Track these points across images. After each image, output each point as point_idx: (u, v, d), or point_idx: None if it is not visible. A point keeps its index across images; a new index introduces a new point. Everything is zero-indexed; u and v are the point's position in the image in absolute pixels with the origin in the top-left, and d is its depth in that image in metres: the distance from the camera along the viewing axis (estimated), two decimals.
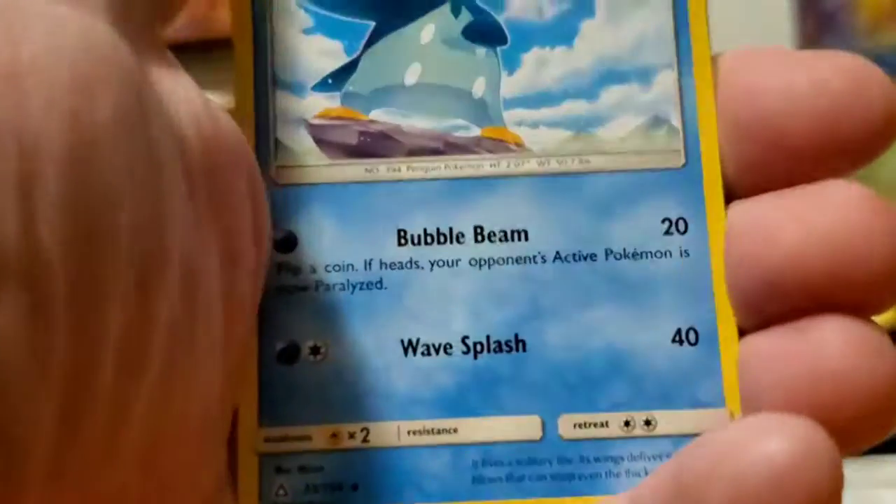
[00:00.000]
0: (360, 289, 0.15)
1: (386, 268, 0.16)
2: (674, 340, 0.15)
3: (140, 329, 0.12)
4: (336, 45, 0.16)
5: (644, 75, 0.16)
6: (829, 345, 0.14)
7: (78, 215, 0.11)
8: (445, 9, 0.16)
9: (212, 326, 0.13)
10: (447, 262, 0.16)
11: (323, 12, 0.16)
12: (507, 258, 0.16)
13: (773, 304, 0.15)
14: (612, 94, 0.16)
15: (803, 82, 0.15)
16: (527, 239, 0.16)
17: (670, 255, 0.16)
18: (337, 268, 0.16)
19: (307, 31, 0.16)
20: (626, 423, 0.15)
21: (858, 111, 0.14)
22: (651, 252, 0.16)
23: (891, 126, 0.14)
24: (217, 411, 0.14)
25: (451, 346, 0.15)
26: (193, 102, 0.13)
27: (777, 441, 0.12)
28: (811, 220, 0.14)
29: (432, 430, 0.15)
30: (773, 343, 0.15)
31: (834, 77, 0.14)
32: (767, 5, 0.83)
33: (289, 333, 0.15)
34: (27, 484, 0.11)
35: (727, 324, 0.15)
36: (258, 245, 0.14)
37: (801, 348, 0.14)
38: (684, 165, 0.16)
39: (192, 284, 0.12)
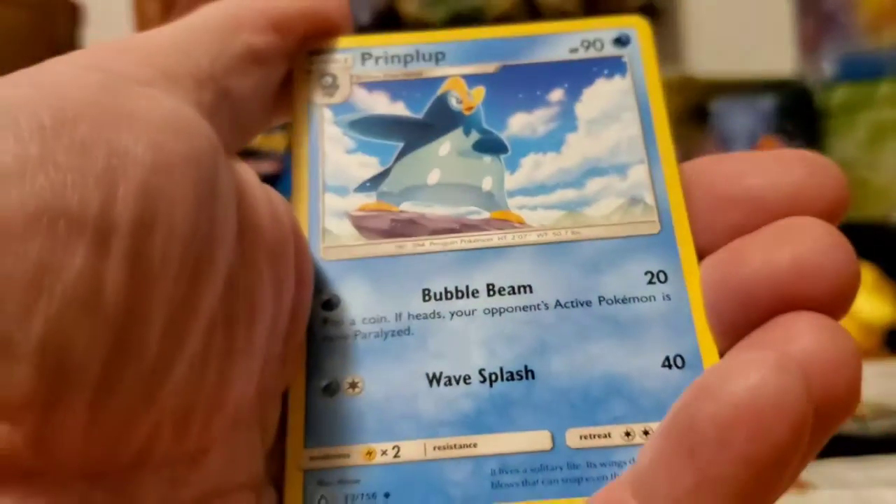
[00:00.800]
0: (392, 336, 0.18)
1: (413, 318, 0.18)
2: (663, 366, 0.18)
3: (186, 310, 0.14)
4: (373, 160, 0.20)
5: (621, 169, 0.20)
6: (797, 327, 0.15)
7: (146, 207, 0.14)
8: (459, 131, 0.20)
9: (251, 339, 0.16)
10: (465, 311, 0.18)
11: (363, 137, 0.20)
12: (516, 307, 0.18)
13: (748, 318, 0.16)
14: (595, 184, 0.19)
15: (773, 166, 0.18)
16: (531, 291, 0.18)
17: (654, 299, 0.18)
18: (372, 320, 0.18)
19: (350, 151, 0.20)
20: (627, 434, 0.17)
21: (819, 182, 0.17)
22: (637, 297, 0.18)
23: (843, 196, 0.17)
24: (252, 413, 0.16)
25: (469, 377, 0.18)
26: (252, 177, 0.17)
27: (752, 366, 0.14)
28: (775, 241, 0.16)
29: (455, 445, 0.17)
30: (749, 341, 0.16)
31: (797, 162, 0.18)
32: (767, 5, 0.83)
33: (331, 373, 0.18)
34: (73, 406, 0.13)
35: (709, 348, 0.18)
36: (301, 281, 0.17)
37: (772, 334, 0.16)
38: (659, 231, 0.19)
39: (234, 299, 0.15)
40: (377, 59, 0.21)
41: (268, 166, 0.61)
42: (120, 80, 0.15)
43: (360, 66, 0.21)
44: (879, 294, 0.59)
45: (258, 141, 0.58)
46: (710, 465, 0.13)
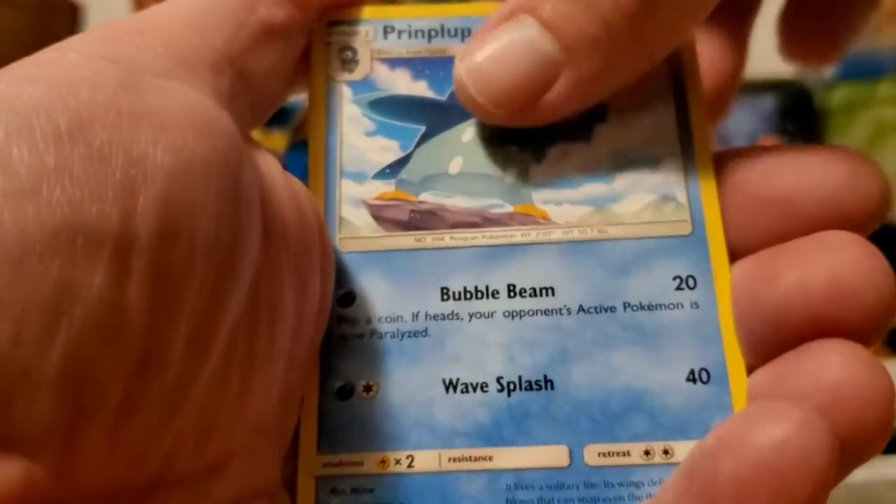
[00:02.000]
0: (408, 337, 0.17)
1: (430, 319, 0.18)
2: (688, 380, 0.17)
3: (209, 323, 0.14)
4: (393, 144, 0.19)
5: (653, 163, 0.18)
6: (829, 359, 0.15)
7: (167, 218, 0.13)
8: None
9: (274, 341, 0.15)
10: (484, 314, 0.18)
11: (383, 119, 0.19)
12: (537, 310, 0.17)
13: (778, 337, 0.16)
14: (625, 178, 0.18)
15: (813, 163, 0.17)
16: (553, 294, 0.18)
17: (682, 306, 0.17)
18: (388, 319, 0.18)
19: (369, 134, 0.19)
20: (646, 453, 0.16)
21: (860, 187, 0.16)
22: (664, 304, 0.17)
23: (885, 202, 0.16)
24: (273, 420, 0.16)
25: (486, 385, 0.17)
26: (275, 170, 0.16)
27: (777, 419, 0.13)
28: (811, 259, 0.16)
29: (470, 457, 0.17)
30: (779, 366, 0.16)
31: (838, 160, 0.17)
32: (767, 5, 0.83)
33: (345, 374, 0.17)
34: (94, 431, 0.12)
35: (736, 363, 0.17)
36: (324, 282, 0.17)
37: (803, 365, 0.15)
38: (691, 233, 0.18)
39: (257, 305, 0.15)
40: (400, 32, 0.20)
41: None
42: (137, 73, 0.14)
43: (382, 40, 0.20)
44: None
45: (258, 139, 0.57)
46: None
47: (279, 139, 0.63)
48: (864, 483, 0.39)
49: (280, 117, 0.59)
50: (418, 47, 0.20)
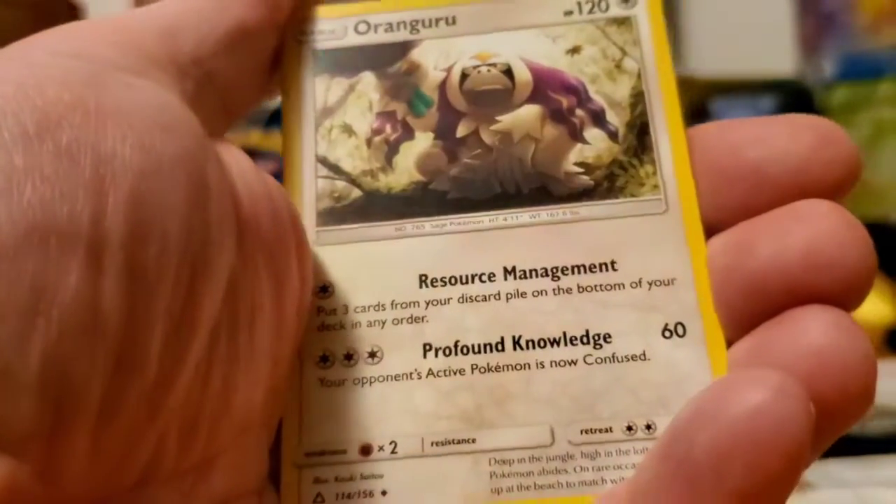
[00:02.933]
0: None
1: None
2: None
3: (186, 321, 0.14)
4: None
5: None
6: (810, 325, 0.15)
7: (137, 216, 0.13)
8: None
9: (254, 339, 0.15)
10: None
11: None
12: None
13: (757, 309, 0.16)
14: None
15: (781, 135, 0.17)
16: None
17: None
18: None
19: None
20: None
21: (829, 155, 0.16)
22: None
23: (854, 169, 0.16)
24: (259, 416, 0.16)
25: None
26: (246, 167, 0.16)
27: (752, 387, 0.13)
28: (786, 229, 0.16)
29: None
30: (758, 337, 0.16)
31: (806, 130, 0.17)
32: (767, 5, 0.83)
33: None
34: (77, 432, 0.12)
35: (715, 335, 0.17)
36: (302, 277, 0.17)
37: (782, 332, 0.15)
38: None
39: (235, 302, 0.15)
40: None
41: (267, 166, 0.61)
42: (103, 70, 0.14)
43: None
44: (879, 294, 0.59)
45: (258, 141, 0.58)
46: (707, 497, 0.13)
47: (279, 139, 0.63)
48: (863, 483, 0.39)
49: (280, 118, 0.59)
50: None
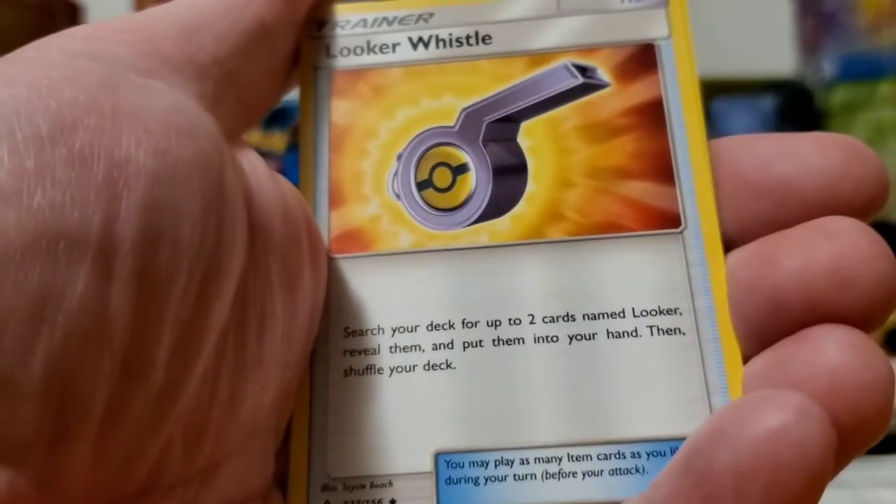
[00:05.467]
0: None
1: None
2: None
3: (195, 328, 0.13)
4: None
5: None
6: (828, 345, 0.14)
7: (150, 221, 0.13)
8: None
9: (264, 344, 0.15)
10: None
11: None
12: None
13: (776, 324, 0.16)
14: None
15: (809, 151, 0.16)
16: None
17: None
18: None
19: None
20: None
21: (859, 173, 0.16)
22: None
23: (885, 188, 0.16)
24: (269, 420, 0.16)
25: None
26: (260, 169, 0.16)
27: (773, 408, 0.13)
28: (811, 245, 0.15)
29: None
30: (776, 353, 0.15)
31: (834, 147, 0.16)
32: (767, 5, 0.83)
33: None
34: (79, 441, 0.12)
35: (732, 352, 0.16)
36: (316, 280, 0.17)
37: (801, 351, 0.15)
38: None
39: (245, 308, 0.15)
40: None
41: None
42: (119, 72, 0.14)
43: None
44: None
45: (258, 141, 0.58)
46: None
47: (279, 140, 0.63)
48: (863, 483, 0.39)
49: (280, 118, 0.59)
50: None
